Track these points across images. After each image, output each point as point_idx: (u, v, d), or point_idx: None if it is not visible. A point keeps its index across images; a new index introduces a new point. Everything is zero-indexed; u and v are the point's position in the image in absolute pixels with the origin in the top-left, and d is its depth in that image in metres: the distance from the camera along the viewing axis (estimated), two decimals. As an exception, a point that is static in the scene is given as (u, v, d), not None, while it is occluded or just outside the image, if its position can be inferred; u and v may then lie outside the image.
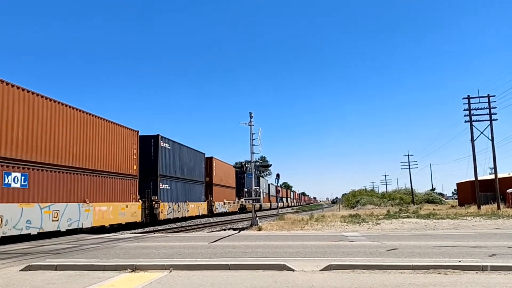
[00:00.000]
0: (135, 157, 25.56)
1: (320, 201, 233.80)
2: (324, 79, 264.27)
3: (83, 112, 20.52)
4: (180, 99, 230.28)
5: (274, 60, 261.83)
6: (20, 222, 15.60)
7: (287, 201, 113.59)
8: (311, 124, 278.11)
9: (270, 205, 75.52)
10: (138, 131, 26.45)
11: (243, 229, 19.49)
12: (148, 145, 28.46)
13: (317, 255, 9.89)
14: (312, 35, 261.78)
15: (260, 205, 70.48)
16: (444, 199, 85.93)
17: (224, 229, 19.81)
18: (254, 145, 19.83)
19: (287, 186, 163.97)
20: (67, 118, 19.14)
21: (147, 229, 24.06)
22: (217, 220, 33.87)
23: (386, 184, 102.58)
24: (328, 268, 7.98)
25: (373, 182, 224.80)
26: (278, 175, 78.24)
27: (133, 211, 24.59)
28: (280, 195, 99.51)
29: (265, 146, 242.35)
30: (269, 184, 78.29)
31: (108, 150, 22.52)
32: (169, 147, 31.04)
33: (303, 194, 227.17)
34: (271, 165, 19.97)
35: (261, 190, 19.79)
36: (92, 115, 21.31)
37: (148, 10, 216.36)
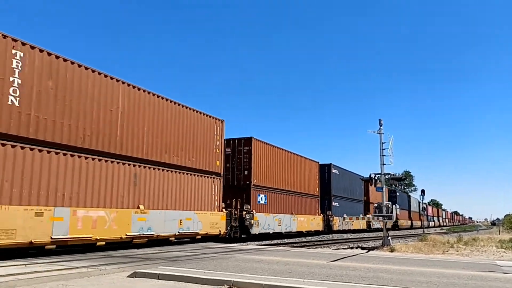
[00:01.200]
0: (317, 181, 34.02)
1: (477, 222, 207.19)
2: (478, 83, 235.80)
3: (289, 152, 29.34)
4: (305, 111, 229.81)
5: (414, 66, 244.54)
6: (265, 225, 24.72)
7: (438, 220, 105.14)
8: (465, 136, 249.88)
9: (422, 224, 69.94)
10: (318, 162, 34.77)
11: (372, 248, 17.62)
12: (324, 172, 36.02)
13: (452, 289, 7.95)
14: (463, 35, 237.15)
15: (411, 223, 69.21)
16: None
17: (352, 247, 18.22)
18: (384, 155, 17.86)
19: (436, 204, 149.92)
20: (283, 157, 28.24)
21: (274, 241, 23.96)
22: (351, 237, 32.74)
23: None
24: (462, 308, 6.16)
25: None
26: (423, 191, 71.78)
27: (317, 222, 32.84)
28: (429, 213, 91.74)
29: (409, 160, 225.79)
30: (418, 202, 73.75)
31: (302, 177, 31.06)
32: (338, 173, 38.65)
33: (456, 213, 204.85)
34: (405, 178, 17.73)
35: (395, 207, 17.65)
36: (294, 154, 30.14)
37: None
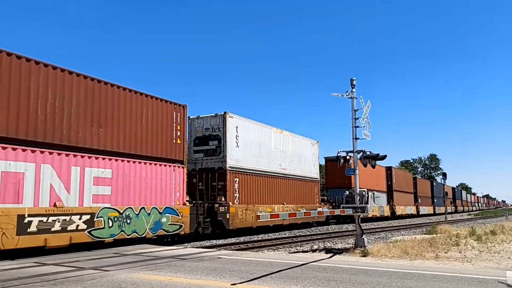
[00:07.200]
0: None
1: (510, 206, 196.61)
2: None
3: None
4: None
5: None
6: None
7: (468, 205, 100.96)
8: (492, 115, 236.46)
9: (445, 210, 64.82)
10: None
11: (341, 251, 13.16)
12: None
13: None
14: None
15: (434, 209, 67.07)
16: None
17: (316, 250, 13.80)
18: (357, 126, 13.27)
19: (465, 188, 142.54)
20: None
21: (233, 240, 20.15)
22: (349, 229, 28.30)
23: None
24: None
25: None
26: (444, 174, 66.39)
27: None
28: (457, 198, 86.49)
29: (436, 143, 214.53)
30: (442, 186, 68.84)
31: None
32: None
33: (487, 197, 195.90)
34: (385, 156, 13.05)
35: (372, 195, 13.13)
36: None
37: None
